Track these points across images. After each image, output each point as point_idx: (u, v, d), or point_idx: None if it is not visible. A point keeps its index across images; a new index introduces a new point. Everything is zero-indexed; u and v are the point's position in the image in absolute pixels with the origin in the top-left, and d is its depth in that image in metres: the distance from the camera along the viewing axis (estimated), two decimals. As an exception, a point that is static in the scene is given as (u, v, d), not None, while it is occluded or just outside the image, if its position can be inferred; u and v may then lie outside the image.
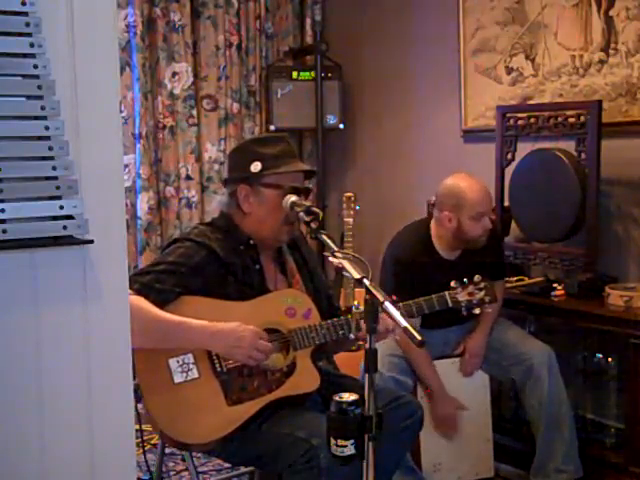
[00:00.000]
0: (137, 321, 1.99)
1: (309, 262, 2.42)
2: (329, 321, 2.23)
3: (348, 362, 3.05)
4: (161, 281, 2.11)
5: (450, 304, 2.42)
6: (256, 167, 2.21)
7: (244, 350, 2.08)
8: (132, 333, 2.00)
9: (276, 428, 2.09)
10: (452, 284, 2.43)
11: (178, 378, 2.08)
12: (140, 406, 2.13)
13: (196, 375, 2.10)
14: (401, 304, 2.34)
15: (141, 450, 2.92)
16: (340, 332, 2.21)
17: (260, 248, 2.28)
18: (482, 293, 2.43)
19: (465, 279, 2.45)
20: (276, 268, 2.33)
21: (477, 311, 2.45)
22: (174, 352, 2.09)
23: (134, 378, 2.06)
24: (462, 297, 2.42)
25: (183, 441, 2.08)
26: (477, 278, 2.45)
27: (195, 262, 2.15)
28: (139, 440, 3.21)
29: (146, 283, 2.10)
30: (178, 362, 2.09)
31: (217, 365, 2.13)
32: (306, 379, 2.18)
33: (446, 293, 2.41)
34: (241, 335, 2.08)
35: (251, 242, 2.26)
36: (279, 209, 2.19)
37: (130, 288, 2.04)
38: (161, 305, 2.08)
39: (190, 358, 2.10)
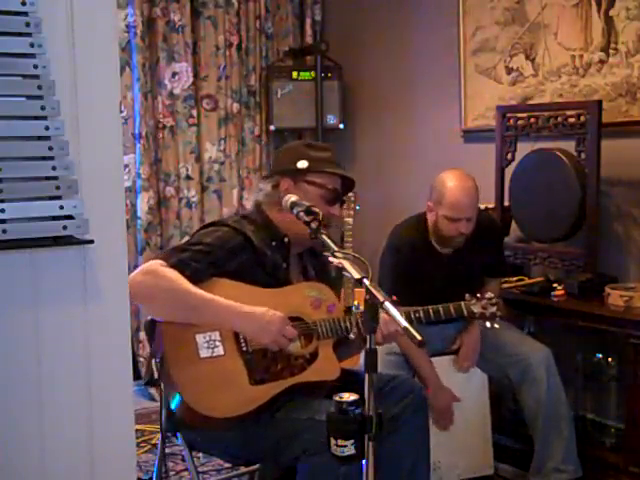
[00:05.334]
0: (170, 293, 2.07)
1: (328, 271, 2.47)
2: (352, 317, 2.28)
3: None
4: (197, 260, 2.15)
5: (466, 313, 2.54)
6: (302, 164, 2.30)
7: (271, 334, 2.12)
8: (164, 304, 2.08)
9: (293, 414, 2.12)
10: (466, 296, 2.54)
11: (204, 353, 2.11)
12: (154, 405, 2.13)
13: (221, 352, 2.13)
14: (420, 309, 2.41)
15: (141, 450, 2.93)
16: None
17: (292, 247, 2.33)
18: (494, 308, 2.55)
19: (478, 294, 2.57)
20: (300, 271, 2.40)
21: (488, 324, 2.56)
22: (201, 329, 2.13)
23: (161, 350, 2.09)
24: (477, 309, 2.55)
25: (205, 414, 2.08)
26: (489, 294, 2.58)
27: (231, 246, 2.21)
28: (140, 440, 3.22)
29: (184, 259, 2.14)
30: (205, 338, 2.12)
31: (243, 345, 2.16)
32: (327, 367, 2.24)
33: (462, 303, 2.53)
34: (270, 320, 2.12)
35: (285, 240, 2.30)
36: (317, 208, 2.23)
37: (166, 261, 2.11)
38: (194, 283, 2.12)
39: (217, 335, 2.13)
